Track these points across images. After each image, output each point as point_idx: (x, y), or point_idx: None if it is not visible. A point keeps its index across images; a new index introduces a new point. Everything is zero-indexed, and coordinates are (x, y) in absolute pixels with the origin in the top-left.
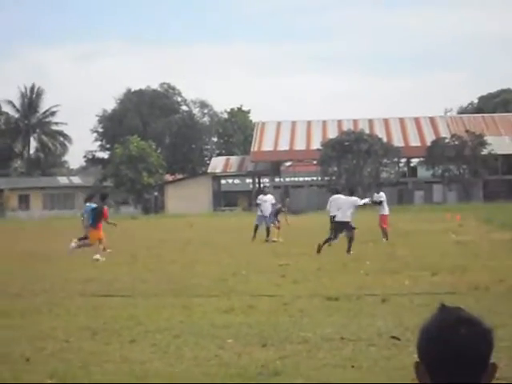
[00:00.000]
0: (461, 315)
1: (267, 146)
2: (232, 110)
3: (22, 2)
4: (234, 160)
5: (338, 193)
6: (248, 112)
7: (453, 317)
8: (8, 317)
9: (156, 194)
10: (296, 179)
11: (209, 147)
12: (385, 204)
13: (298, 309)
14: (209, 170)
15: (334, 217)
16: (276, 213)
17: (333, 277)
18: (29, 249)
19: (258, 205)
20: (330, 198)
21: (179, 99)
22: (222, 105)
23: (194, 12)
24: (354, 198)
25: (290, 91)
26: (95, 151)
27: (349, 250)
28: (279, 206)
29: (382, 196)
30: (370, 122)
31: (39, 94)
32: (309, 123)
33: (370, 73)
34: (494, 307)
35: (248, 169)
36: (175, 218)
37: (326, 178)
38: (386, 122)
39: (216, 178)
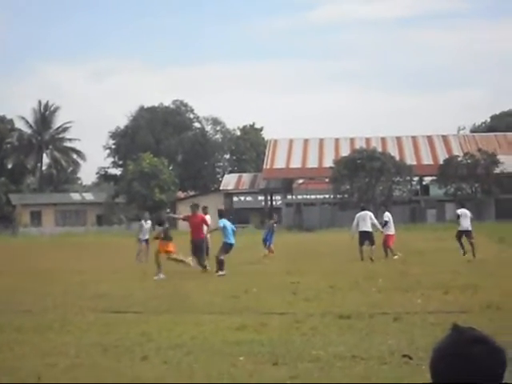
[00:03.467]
0: (474, 335)
1: (279, 164)
2: (244, 127)
3: (36, 19)
4: (247, 177)
5: (364, 210)
6: (261, 129)
7: (466, 336)
8: (20, 333)
9: (168, 210)
10: (308, 197)
11: (221, 164)
12: (390, 224)
13: (310, 327)
14: (221, 187)
15: (364, 232)
16: (271, 231)
17: (345, 295)
18: (40, 265)
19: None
20: (357, 215)
21: (192, 116)
22: (234, 122)
23: (207, 30)
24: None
25: (303, 109)
26: (108, 168)
27: (372, 258)
28: (271, 222)
29: (386, 216)
30: (383, 140)
31: (52, 110)
32: (321, 141)
33: (382, 90)
34: (506, 326)
35: (260, 186)
36: (187, 235)
37: (339, 196)
38: (398, 140)
39: (228, 195)
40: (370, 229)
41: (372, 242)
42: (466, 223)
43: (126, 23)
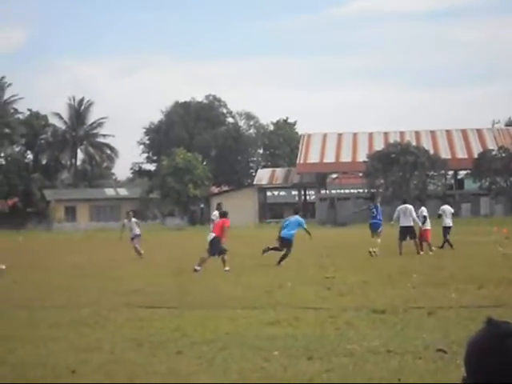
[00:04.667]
0: (509, 329)
1: (313, 158)
2: (278, 121)
3: (69, 16)
4: (280, 172)
5: (405, 203)
6: (294, 124)
7: (500, 331)
8: (55, 328)
9: (202, 205)
10: (342, 191)
11: (254, 159)
12: (427, 219)
13: (345, 321)
14: (254, 182)
15: (404, 227)
16: None
17: (379, 289)
18: (75, 261)
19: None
20: (398, 208)
21: (225, 111)
22: (267, 117)
23: (240, 24)
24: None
25: (337, 103)
26: (142, 163)
27: (418, 252)
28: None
29: (424, 211)
30: (417, 133)
31: (86, 106)
32: (355, 135)
33: (416, 85)
34: None
35: (294, 181)
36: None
37: (372, 190)
38: (432, 134)
39: (262, 190)
40: (411, 223)
41: (413, 236)
42: (448, 220)
43: (159, 17)
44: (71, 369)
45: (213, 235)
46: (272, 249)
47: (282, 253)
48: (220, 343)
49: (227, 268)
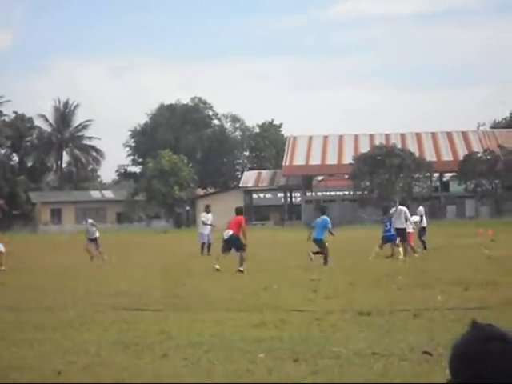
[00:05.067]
0: (493, 332)
1: (299, 161)
2: (263, 124)
3: (55, 18)
4: (266, 174)
5: (400, 205)
6: (280, 126)
7: (484, 333)
8: (40, 330)
9: (188, 208)
10: (328, 193)
11: (240, 161)
12: (411, 220)
13: (330, 324)
14: (240, 184)
15: (399, 229)
16: None
17: (365, 292)
18: (60, 263)
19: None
20: (392, 210)
21: (211, 113)
22: (253, 119)
23: (225, 26)
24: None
25: (322, 105)
26: (127, 165)
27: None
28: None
29: (420, 211)
30: (402, 136)
31: (72, 108)
32: (341, 137)
33: (402, 87)
34: None
35: (280, 183)
36: None
37: (358, 193)
38: (418, 136)
39: (248, 192)
40: (403, 225)
41: (404, 239)
42: (425, 221)
43: (143, 19)
44: (57, 370)
45: (230, 232)
46: (316, 253)
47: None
48: (205, 346)
49: (242, 268)
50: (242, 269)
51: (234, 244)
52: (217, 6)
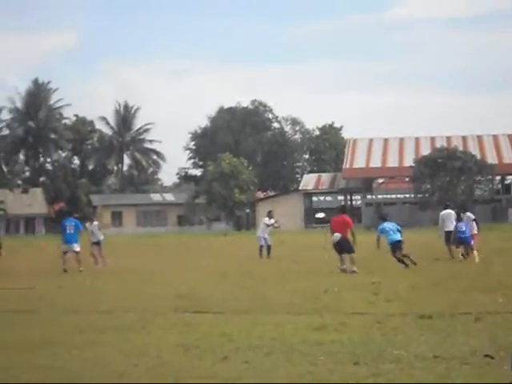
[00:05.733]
0: None
1: (359, 163)
2: (324, 126)
3: (115, 21)
4: (326, 177)
5: (446, 208)
6: (340, 129)
7: None
8: (101, 333)
9: (248, 210)
10: (388, 196)
11: (300, 164)
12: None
13: (391, 327)
14: (300, 187)
15: (449, 232)
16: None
17: (426, 295)
18: (121, 265)
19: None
20: (441, 214)
21: (270, 116)
22: (313, 122)
23: (283, 28)
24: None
25: (383, 108)
26: (188, 168)
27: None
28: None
29: (472, 215)
30: (464, 138)
31: (133, 111)
32: (401, 140)
33: (464, 90)
34: None
35: (340, 186)
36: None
37: (419, 196)
38: (479, 138)
39: (307, 195)
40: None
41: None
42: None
43: (204, 23)
44: (119, 373)
45: (338, 236)
46: (404, 256)
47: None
48: (266, 348)
49: (355, 268)
50: (355, 269)
51: (344, 248)
52: (274, 9)
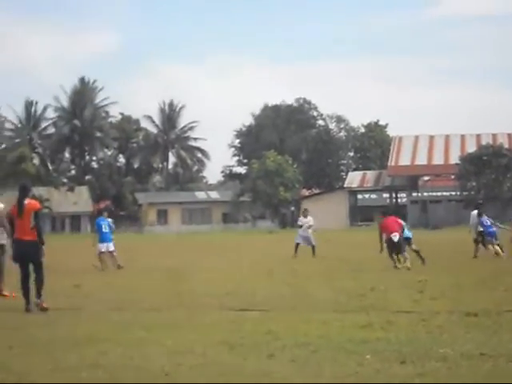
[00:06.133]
0: None
1: (405, 161)
2: (369, 124)
3: (161, 19)
4: (371, 175)
5: (477, 207)
6: (385, 126)
7: None
8: (147, 331)
9: (292, 208)
10: (434, 194)
11: (345, 162)
12: None
13: (437, 325)
14: (345, 185)
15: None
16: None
17: (471, 292)
18: (166, 263)
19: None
20: (472, 213)
21: (315, 114)
22: (358, 119)
23: (329, 26)
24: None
25: (428, 105)
26: (233, 166)
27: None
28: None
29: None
30: (509, 136)
31: (178, 109)
32: (447, 137)
33: (509, 86)
34: None
35: (385, 183)
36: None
37: (465, 193)
38: None
39: (352, 192)
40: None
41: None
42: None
43: (248, 21)
44: (165, 371)
45: (397, 235)
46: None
47: None
48: (312, 346)
49: (408, 264)
50: (408, 265)
51: (401, 248)
52: (320, 6)
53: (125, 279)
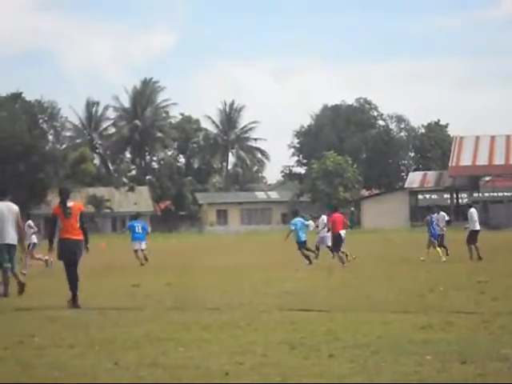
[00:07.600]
0: None
1: (465, 161)
2: (429, 124)
3: (221, 20)
4: (432, 175)
5: (471, 207)
6: (446, 126)
7: None
8: (207, 331)
9: (352, 208)
10: (495, 194)
11: (405, 162)
12: None
13: (498, 326)
14: (406, 185)
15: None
16: None
17: None
18: (227, 263)
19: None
20: (470, 211)
21: (375, 114)
22: (418, 119)
23: (386, 26)
24: None
25: (489, 106)
26: (292, 166)
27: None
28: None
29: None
30: None
31: (238, 109)
32: (508, 137)
33: None
34: None
35: (446, 184)
36: (371, 233)
37: None
38: None
39: (413, 193)
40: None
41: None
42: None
43: (307, 23)
44: (224, 371)
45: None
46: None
47: None
48: (372, 347)
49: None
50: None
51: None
52: (377, 5)
53: (185, 279)
